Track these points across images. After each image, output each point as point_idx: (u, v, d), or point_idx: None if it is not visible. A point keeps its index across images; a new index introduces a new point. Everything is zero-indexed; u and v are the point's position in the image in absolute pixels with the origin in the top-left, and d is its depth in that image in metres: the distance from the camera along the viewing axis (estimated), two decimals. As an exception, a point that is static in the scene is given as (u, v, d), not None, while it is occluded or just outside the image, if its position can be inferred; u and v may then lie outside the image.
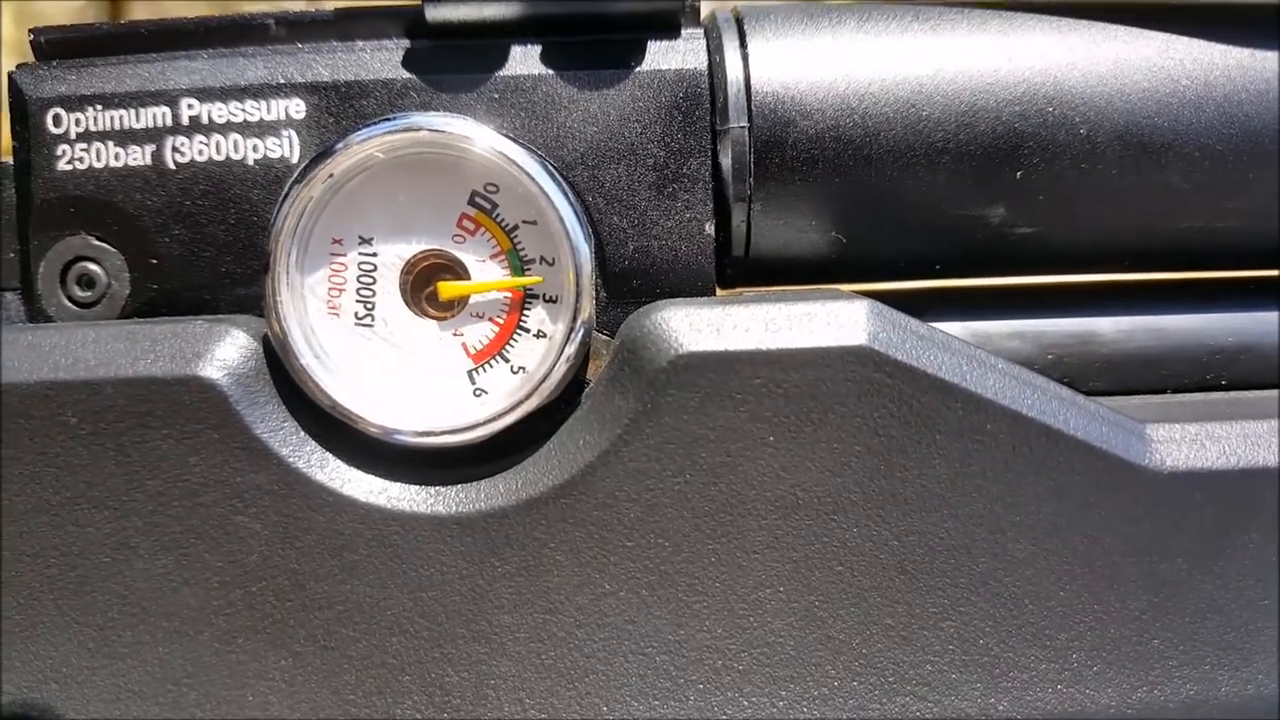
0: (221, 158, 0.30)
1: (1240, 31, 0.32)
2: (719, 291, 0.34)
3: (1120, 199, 0.32)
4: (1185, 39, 0.32)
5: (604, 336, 0.31)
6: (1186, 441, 0.30)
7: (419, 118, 0.28)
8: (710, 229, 0.31)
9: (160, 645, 0.28)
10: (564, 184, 0.29)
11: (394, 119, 0.28)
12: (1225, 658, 0.30)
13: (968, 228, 0.32)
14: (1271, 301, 0.34)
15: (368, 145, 0.28)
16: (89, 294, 0.31)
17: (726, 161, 0.31)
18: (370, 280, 0.29)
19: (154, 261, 0.30)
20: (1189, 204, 0.32)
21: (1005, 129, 0.31)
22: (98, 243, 0.31)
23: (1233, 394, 0.33)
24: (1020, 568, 0.29)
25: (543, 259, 0.29)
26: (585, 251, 0.29)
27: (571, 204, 0.29)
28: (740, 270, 0.33)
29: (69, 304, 0.31)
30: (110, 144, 0.30)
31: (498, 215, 0.29)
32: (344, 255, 0.29)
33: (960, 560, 0.29)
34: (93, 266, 0.31)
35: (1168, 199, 0.32)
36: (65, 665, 0.28)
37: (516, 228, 0.29)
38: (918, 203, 0.32)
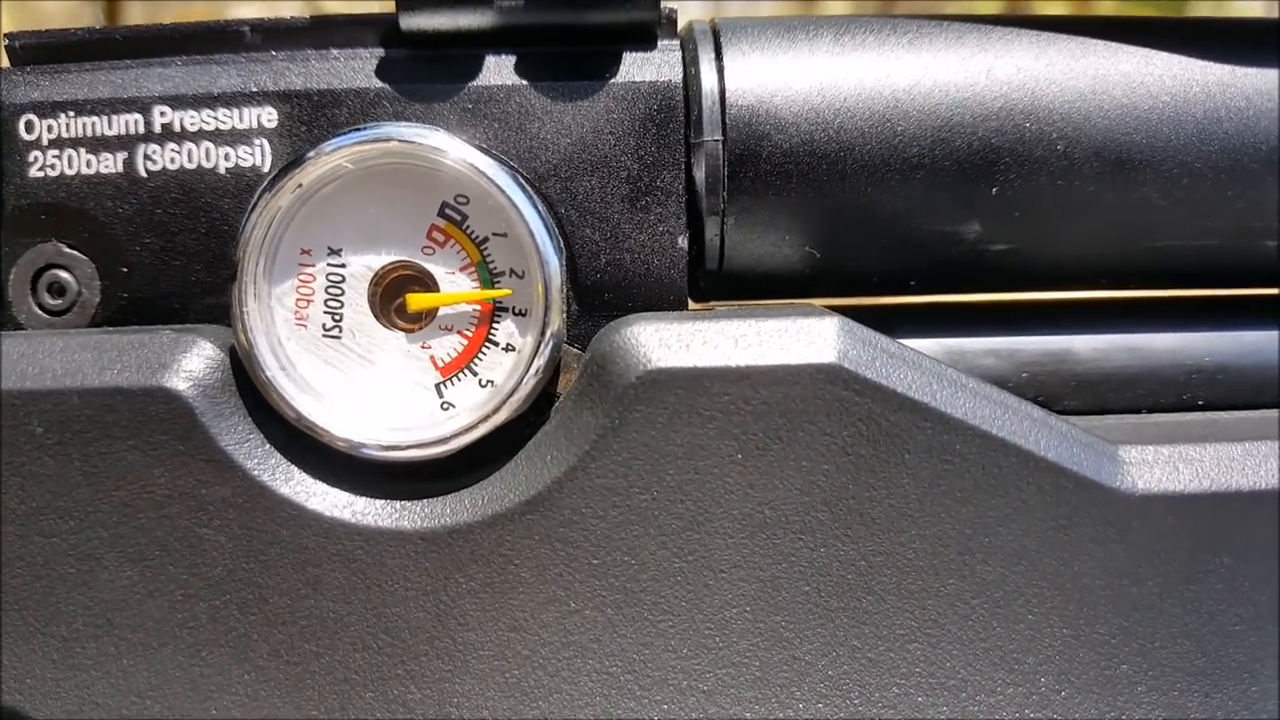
0: (193, 166, 0.30)
1: (1220, 48, 0.32)
2: (693, 304, 0.34)
3: (1097, 216, 0.32)
4: (1165, 55, 0.32)
5: (575, 350, 0.31)
6: (1159, 464, 0.29)
7: (389, 128, 0.28)
8: (683, 242, 0.31)
9: (125, 657, 0.28)
10: (535, 196, 0.29)
11: (364, 129, 0.28)
12: (1195, 683, 0.29)
13: (943, 244, 0.32)
14: (1250, 321, 0.33)
15: (337, 155, 0.28)
16: (60, 301, 0.31)
17: (700, 175, 0.31)
18: (338, 291, 0.29)
19: (124, 269, 0.30)
20: (1167, 221, 0.32)
21: (981, 144, 0.31)
22: (69, 250, 0.30)
23: (1209, 414, 0.33)
24: (989, 590, 0.29)
25: (512, 271, 0.29)
26: (555, 265, 0.28)
27: (542, 217, 0.28)
28: (714, 284, 0.33)
29: (39, 311, 0.31)
30: (82, 151, 0.30)
31: (468, 227, 0.29)
32: (312, 266, 0.29)
33: (928, 581, 0.29)
34: (64, 274, 0.31)
35: (1145, 216, 0.32)
36: (30, 676, 0.28)
37: (487, 240, 0.29)
38: (892, 218, 0.31)
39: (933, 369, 0.29)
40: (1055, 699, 0.29)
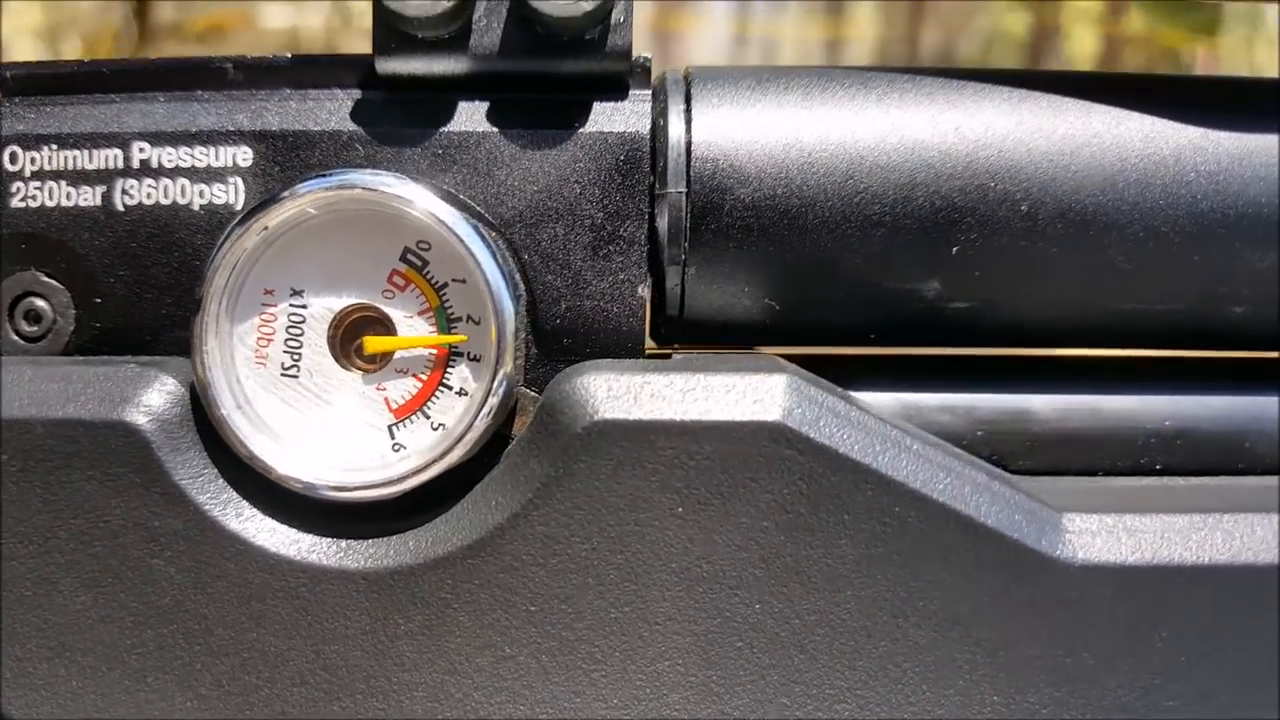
0: (169, 202, 0.31)
1: (1193, 109, 0.32)
2: (654, 347, 0.34)
3: (1060, 277, 0.32)
4: (1136, 115, 0.32)
5: (531, 394, 0.31)
6: (1101, 533, 0.29)
7: (353, 175, 0.29)
8: (643, 291, 0.31)
9: (75, 679, 0.29)
10: (495, 245, 0.30)
11: (329, 175, 0.29)
12: None
13: (902, 300, 0.32)
14: (1213, 385, 0.33)
15: (301, 200, 0.29)
16: (35, 329, 0.32)
17: (663, 225, 0.31)
18: (299, 331, 0.30)
19: (99, 300, 0.31)
20: (1132, 285, 0.32)
21: (943, 203, 0.31)
22: (47, 279, 0.31)
23: (1167, 480, 0.33)
24: (921, 654, 0.29)
25: (469, 317, 0.30)
26: (510, 312, 0.29)
27: (500, 266, 0.29)
28: (675, 330, 0.33)
29: (15, 338, 0.32)
30: (63, 184, 0.31)
31: (428, 273, 0.30)
32: (275, 306, 0.30)
33: (861, 643, 0.29)
34: (40, 302, 0.32)
35: (1109, 279, 0.32)
36: None
37: (446, 285, 0.30)
38: (852, 274, 0.32)
39: (877, 430, 0.29)
40: None
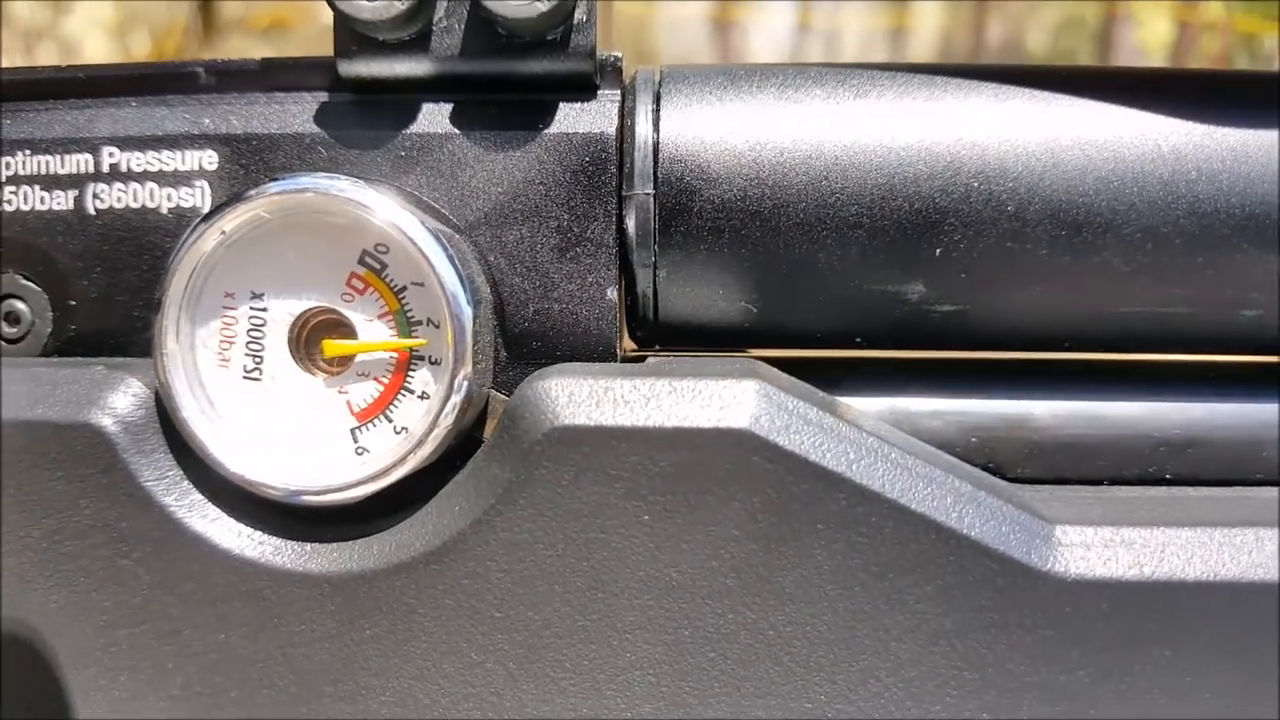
0: (138, 205, 0.31)
1: (1193, 104, 0.30)
2: (634, 350, 0.33)
3: (1053, 281, 0.30)
4: (1131, 111, 0.30)
5: (503, 397, 0.31)
6: (1097, 546, 0.28)
7: (308, 179, 0.29)
8: (613, 294, 0.30)
9: (48, 676, 0.29)
10: (455, 247, 0.29)
11: (285, 179, 0.29)
12: None
13: (884, 303, 0.31)
14: (1224, 390, 0.31)
15: (257, 204, 0.28)
16: (14, 330, 0.32)
17: (631, 226, 0.30)
18: (260, 335, 0.29)
19: (73, 303, 0.31)
20: (1130, 289, 0.30)
21: (925, 204, 0.30)
22: (24, 282, 0.32)
23: (1175, 490, 0.31)
24: (904, 669, 0.28)
25: (430, 320, 0.29)
26: (467, 316, 0.28)
27: (457, 269, 0.28)
28: (651, 333, 0.32)
29: (-4, 339, 0.32)
30: (37, 188, 0.31)
31: (387, 276, 0.29)
32: (235, 309, 0.29)
33: (840, 655, 0.28)
34: (18, 304, 0.32)
35: (1105, 282, 0.30)
36: None
37: (405, 289, 0.29)
38: (829, 276, 0.30)
39: (851, 437, 0.28)
40: None
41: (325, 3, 0.28)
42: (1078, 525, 0.28)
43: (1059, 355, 0.32)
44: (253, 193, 0.28)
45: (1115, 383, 0.32)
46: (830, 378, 0.31)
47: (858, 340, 0.32)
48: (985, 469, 0.31)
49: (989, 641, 0.28)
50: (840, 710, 0.28)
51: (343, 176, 0.29)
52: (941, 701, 0.28)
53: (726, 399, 0.27)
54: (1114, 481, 0.31)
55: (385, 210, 0.28)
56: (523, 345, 0.30)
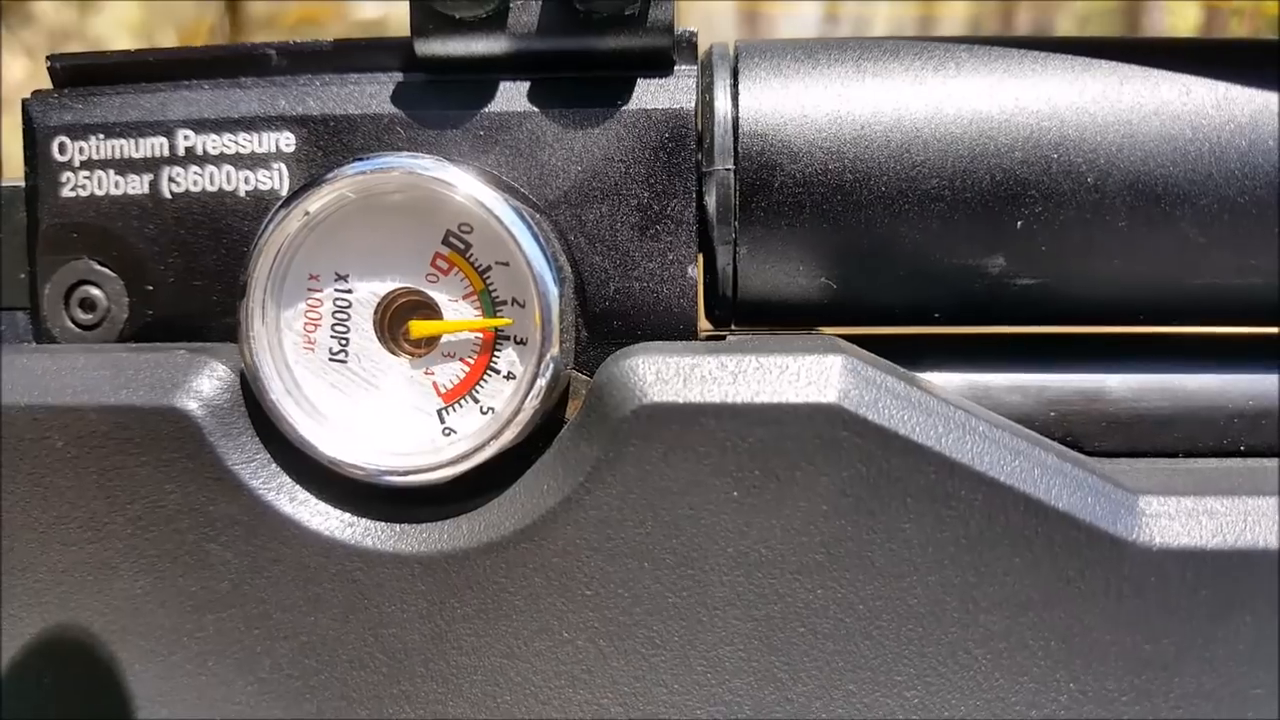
0: (214, 189, 0.31)
1: (1267, 74, 0.30)
2: (710, 329, 0.33)
3: (1131, 252, 0.30)
4: (1207, 81, 0.30)
5: (584, 376, 0.31)
6: (1181, 516, 0.28)
7: (393, 159, 0.29)
8: (693, 272, 0.30)
9: (137, 663, 0.29)
10: (539, 226, 0.29)
11: (369, 159, 0.29)
12: None
13: (966, 277, 0.31)
14: None
15: (342, 184, 0.28)
16: (90, 316, 0.32)
17: (712, 203, 0.30)
18: (345, 316, 0.29)
19: (150, 288, 0.31)
20: (1207, 259, 0.30)
21: (1005, 176, 0.30)
22: (99, 268, 0.32)
23: (1251, 461, 0.31)
24: (993, 640, 0.28)
25: (515, 300, 0.29)
26: (553, 295, 0.28)
27: (542, 248, 0.28)
28: (729, 311, 0.32)
29: (71, 325, 0.32)
30: (111, 173, 0.31)
31: (471, 256, 0.29)
32: (320, 291, 0.29)
33: (929, 629, 0.28)
34: (94, 290, 0.32)
35: (1183, 253, 0.30)
36: (47, 679, 0.30)
37: (490, 269, 0.29)
38: (911, 250, 0.30)
39: (939, 411, 0.28)
40: None
41: None
42: (1161, 495, 0.28)
43: (1134, 329, 0.33)
44: (337, 173, 0.28)
45: (1190, 356, 0.32)
46: (907, 355, 0.31)
47: (935, 316, 0.32)
48: (1063, 443, 0.31)
49: (1076, 612, 0.28)
50: (930, 684, 0.28)
51: (426, 155, 0.29)
52: (1029, 672, 0.28)
53: (815, 374, 0.28)
54: (1189, 454, 0.31)
55: (471, 189, 0.28)
56: (603, 325, 0.31)
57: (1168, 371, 0.32)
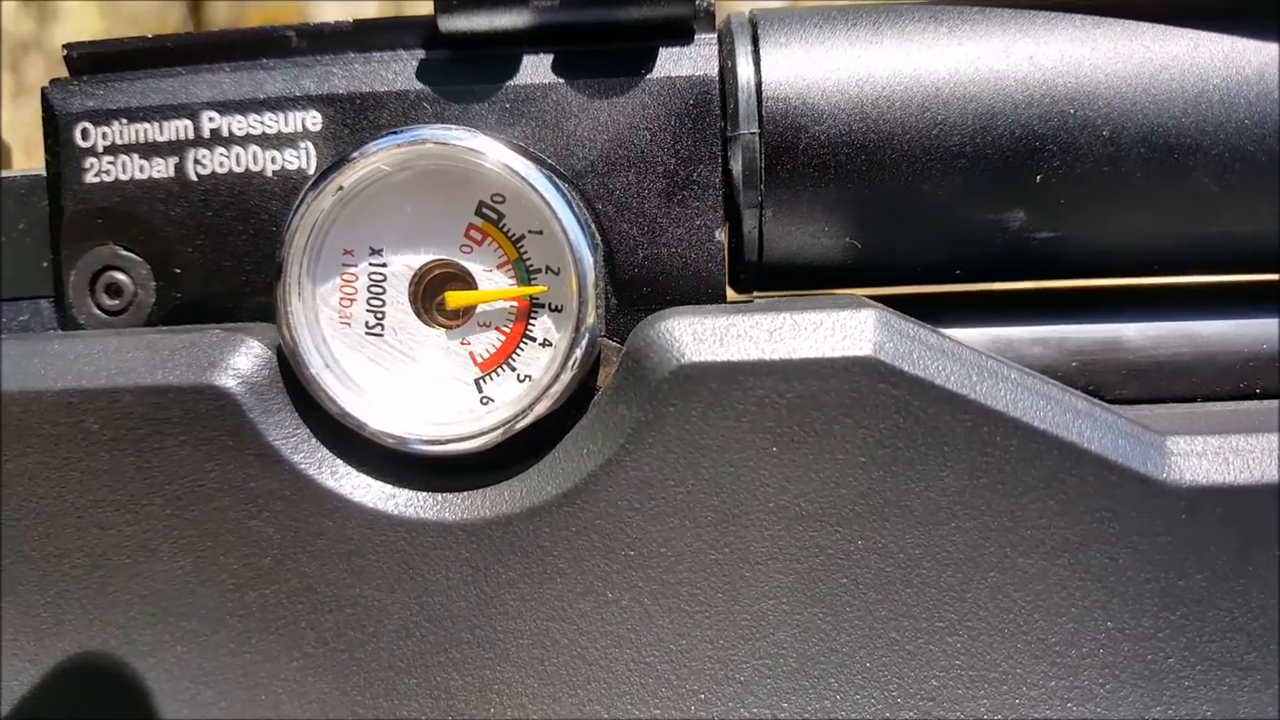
0: (241, 169, 0.31)
1: (1271, 27, 0.31)
2: (734, 296, 0.34)
3: (1146, 202, 0.31)
4: (1215, 35, 0.31)
5: (614, 344, 0.31)
6: (1208, 455, 0.29)
7: (425, 131, 0.29)
8: (720, 236, 0.31)
9: (179, 644, 0.29)
10: (570, 194, 0.29)
11: (400, 132, 0.29)
12: (1245, 679, 0.29)
13: (987, 232, 0.31)
14: None
15: (374, 158, 0.29)
16: (117, 302, 0.32)
17: (737, 168, 0.31)
18: (380, 290, 0.30)
19: (178, 271, 0.31)
20: (1220, 207, 0.31)
21: (1024, 131, 0.31)
22: (125, 253, 0.32)
23: (1268, 403, 0.32)
24: (1031, 583, 0.29)
25: (549, 268, 0.29)
26: (589, 262, 0.29)
27: (576, 215, 0.29)
28: (754, 275, 0.33)
29: (98, 312, 0.32)
30: (135, 157, 0.31)
31: (504, 225, 0.29)
32: (355, 265, 0.29)
33: (969, 574, 0.29)
34: (120, 275, 0.32)
35: (1197, 202, 0.31)
36: (90, 662, 0.29)
37: (523, 238, 0.29)
38: (934, 207, 0.31)
39: (972, 360, 0.28)
40: (1099, 692, 0.29)
41: None
42: (1187, 435, 0.29)
43: (1150, 280, 0.33)
44: (369, 147, 0.29)
45: (1205, 303, 0.33)
46: (930, 312, 0.32)
47: (957, 273, 0.33)
48: (1085, 392, 0.32)
49: (1110, 552, 0.28)
50: (972, 628, 0.29)
51: (458, 127, 0.29)
52: (1067, 613, 0.29)
53: (849, 328, 0.28)
54: (1207, 398, 0.32)
55: (505, 157, 0.28)
56: (632, 291, 0.31)
57: (1184, 319, 0.32)
